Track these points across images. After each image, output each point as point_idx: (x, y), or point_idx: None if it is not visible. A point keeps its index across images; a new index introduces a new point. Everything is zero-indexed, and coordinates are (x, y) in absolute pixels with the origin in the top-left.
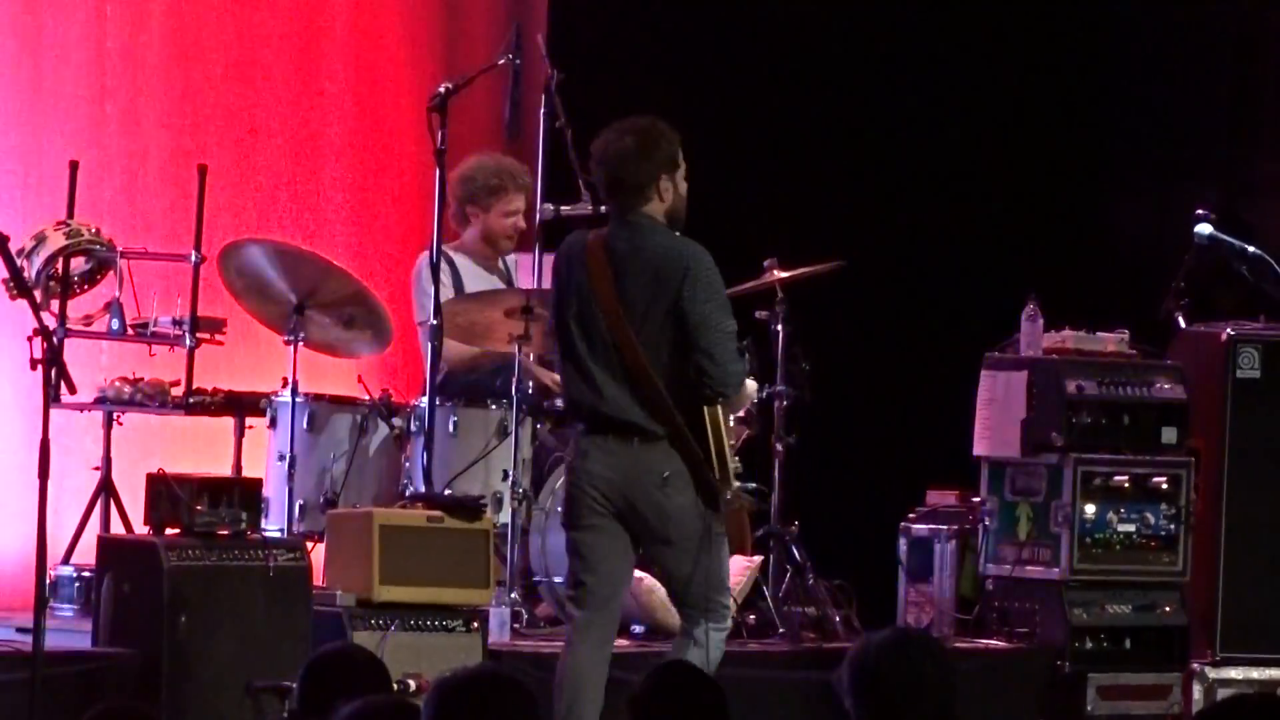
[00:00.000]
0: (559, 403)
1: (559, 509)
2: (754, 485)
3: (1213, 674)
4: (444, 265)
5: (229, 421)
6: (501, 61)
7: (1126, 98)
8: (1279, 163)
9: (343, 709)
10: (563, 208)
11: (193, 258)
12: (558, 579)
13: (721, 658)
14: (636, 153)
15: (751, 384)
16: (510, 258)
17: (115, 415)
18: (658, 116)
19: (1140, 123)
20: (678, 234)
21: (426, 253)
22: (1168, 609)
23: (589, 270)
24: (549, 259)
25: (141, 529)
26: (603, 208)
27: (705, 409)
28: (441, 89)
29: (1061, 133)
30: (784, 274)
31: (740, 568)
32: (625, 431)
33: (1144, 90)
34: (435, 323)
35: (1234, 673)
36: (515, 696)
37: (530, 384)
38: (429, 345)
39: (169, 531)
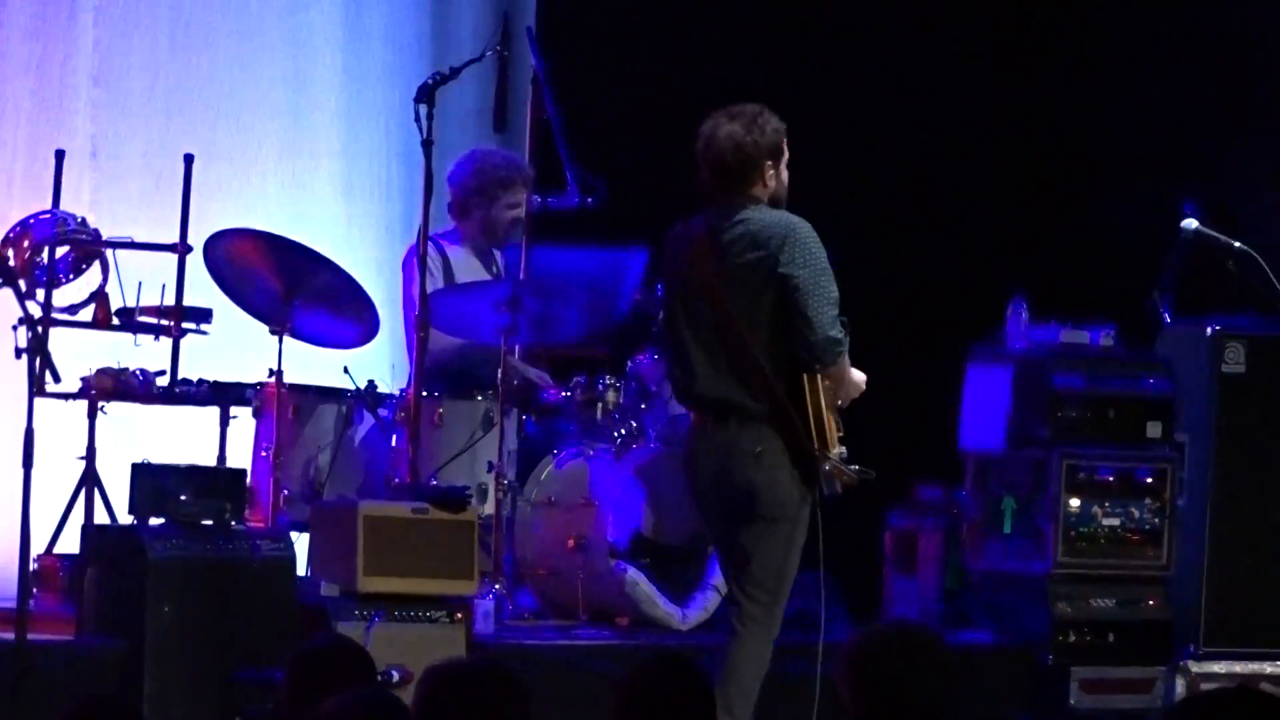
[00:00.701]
0: (549, 394)
1: (544, 501)
2: (859, 468)
3: (1196, 668)
4: (436, 256)
5: (214, 411)
6: (489, 53)
7: (1115, 92)
8: (1268, 157)
9: (328, 702)
10: (549, 200)
11: (179, 247)
12: (542, 570)
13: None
14: (743, 138)
15: (859, 375)
16: (501, 251)
17: (100, 405)
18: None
19: (1129, 117)
20: (780, 212)
21: (413, 244)
22: (1152, 603)
23: (691, 253)
24: (537, 250)
25: (126, 519)
26: (589, 200)
27: (805, 378)
28: (428, 79)
29: (1049, 127)
30: None
31: None
32: (722, 412)
33: (1133, 85)
34: (421, 313)
35: (1218, 667)
36: (505, 688)
37: (516, 378)
38: (415, 336)
39: (153, 522)
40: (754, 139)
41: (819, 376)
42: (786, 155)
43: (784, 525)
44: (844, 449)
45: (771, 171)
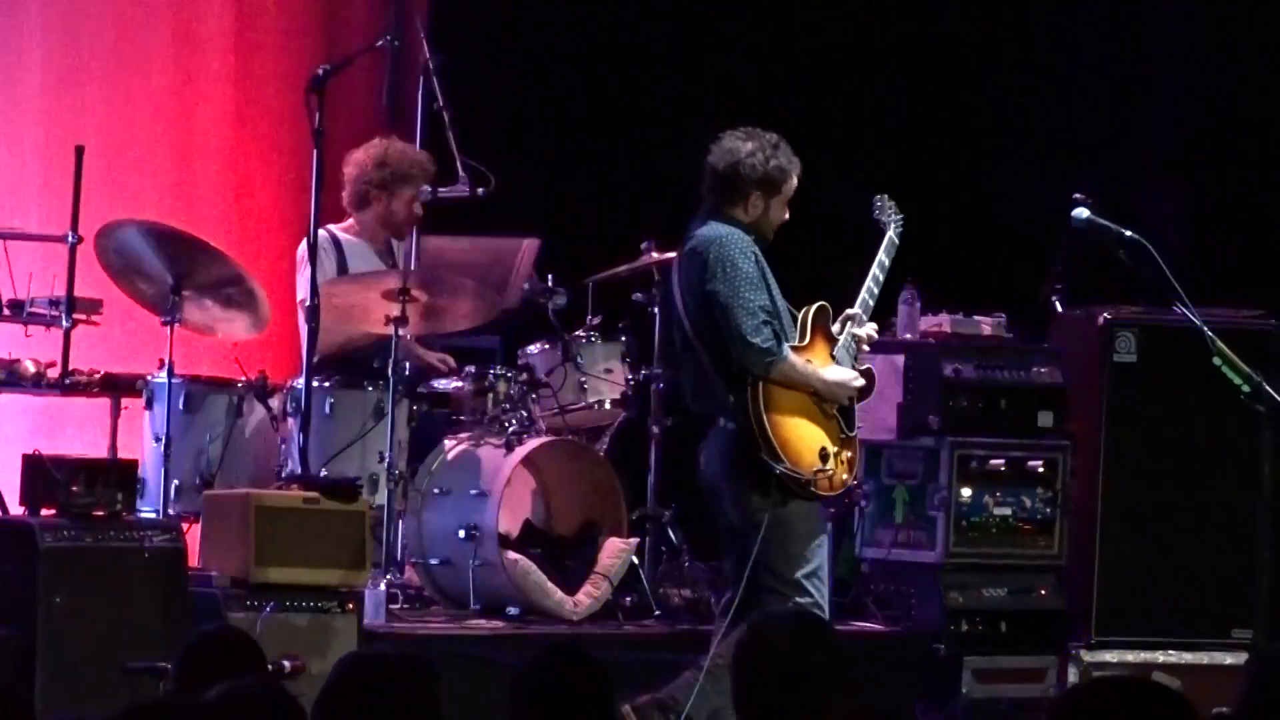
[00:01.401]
0: (436, 384)
1: (435, 491)
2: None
3: (1088, 657)
4: (330, 247)
5: (105, 402)
6: (380, 43)
7: (1008, 80)
8: (1161, 145)
9: (212, 691)
10: (440, 190)
11: (69, 238)
12: (433, 560)
13: None
14: (741, 157)
15: (843, 374)
16: (397, 244)
17: None
18: (781, 137)
19: (1020, 105)
20: (727, 227)
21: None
22: (1044, 592)
23: (675, 269)
24: (428, 241)
25: (17, 510)
26: (480, 190)
27: (748, 390)
28: (320, 70)
29: (940, 115)
30: (661, 255)
31: (616, 549)
32: (705, 424)
33: (1025, 73)
34: (312, 303)
35: (1109, 656)
36: (419, 678)
37: (408, 365)
38: (306, 326)
39: (45, 512)
40: (752, 162)
41: (763, 386)
42: (786, 194)
43: (764, 532)
44: (824, 452)
45: (759, 202)
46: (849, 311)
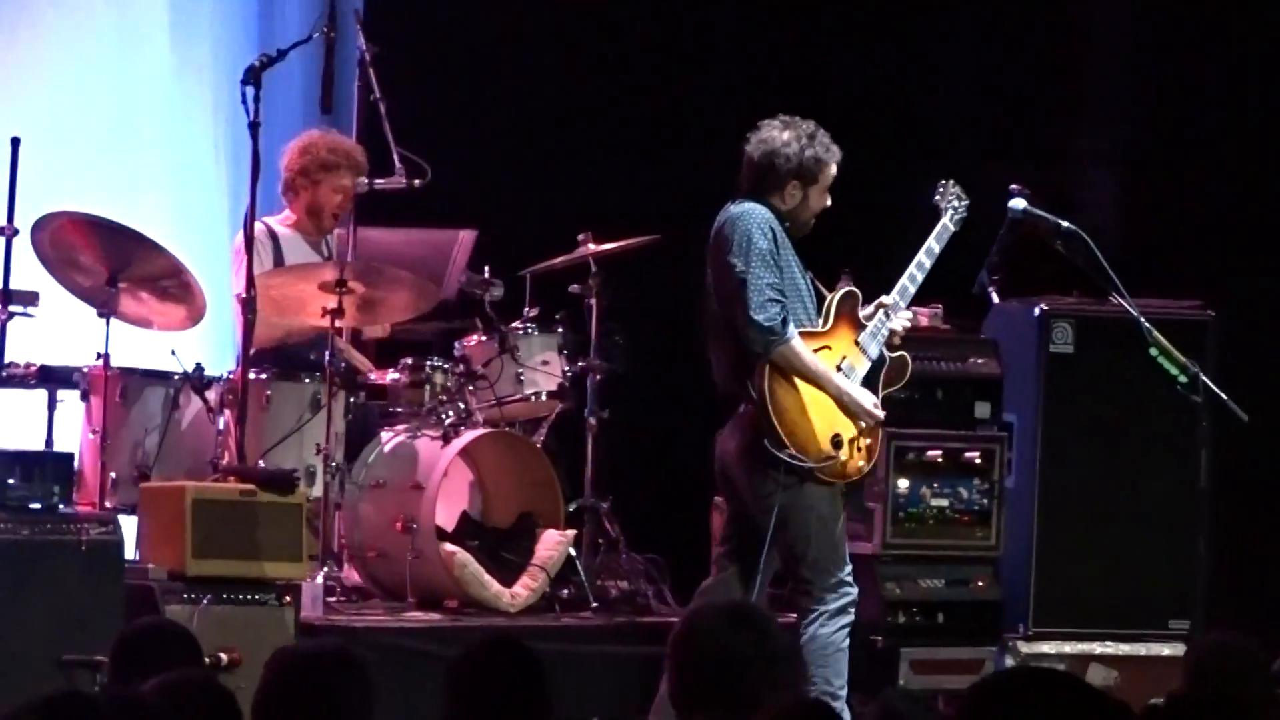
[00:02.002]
0: (373, 377)
1: (372, 483)
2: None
3: (1025, 648)
4: (266, 239)
5: (42, 395)
6: (316, 35)
7: (944, 71)
8: (1097, 138)
9: (147, 684)
10: (377, 181)
11: (5, 230)
12: (370, 553)
13: (827, 647)
14: (778, 146)
15: (858, 393)
16: (332, 236)
17: None
18: (818, 125)
19: (957, 96)
20: (754, 204)
21: (256, 223)
22: (981, 583)
23: (708, 246)
24: (364, 232)
25: None
26: (416, 182)
27: (756, 371)
28: (255, 61)
29: (876, 106)
30: (598, 247)
31: (554, 541)
32: (729, 405)
33: (962, 64)
34: (248, 296)
35: (1046, 647)
36: (351, 673)
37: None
38: (242, 318)
39: None
40: (787, 152)
41: (769, 368)
42: (824, 183)
43: (794, 513)
44: (837, 438)
45: (795, 191)
46: (884, 299)
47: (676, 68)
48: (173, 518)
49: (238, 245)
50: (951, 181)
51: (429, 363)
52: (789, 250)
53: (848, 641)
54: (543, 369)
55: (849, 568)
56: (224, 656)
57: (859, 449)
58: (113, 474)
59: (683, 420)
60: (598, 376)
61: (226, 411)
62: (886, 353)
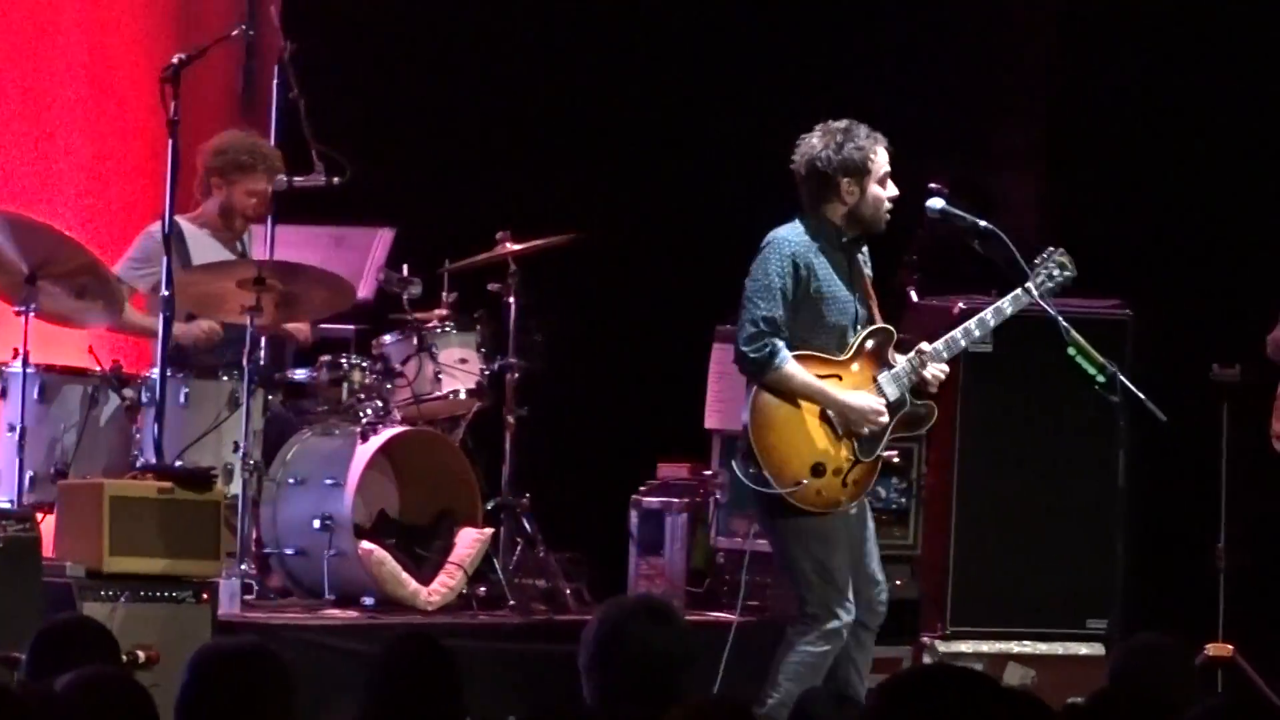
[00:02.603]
0: (293, 374)
1: (290, 480)
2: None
3: (943, 647)
4: (173, 237)
5: None
6: (235, 33)
7: (866, 68)
8: (1018, 135)
9: (61, 680)
10: (295, 179)
11: None
12: (288, 550)
13: (803, 671)
14: (817, 153)
15: (858, 399)
16: (246, 233)
17: None
18: (853, 120)
19: (878, 93)
20: (789, 227)
21: (158, 222)
22: (899, 582)
23: None
24: (283, 230)
25: None
26: (335, 179)
27: (748, 389)
28: (175, 59)
29: (797, 101)
30: (516, 246)
31: (471, 539)
32: None
33: (884, 60)
34: (167, 293)
35: (964, 646)
36: (272, 671)
37: (263, 355)
38: (160, 316)
39: None
40: (826, 155)
41: (757, 391)
42: (877, 172)
43: (774, 537)
44: (819, 466)
45: (852, 188)
46: (923, 346)
47: (595, 66)
48: (90, 515)
49: (139, 240)
50: (1061, 250)
51: (347, 361)
52: (829, 274)
53: (822, 667)
54: (461, 367)
55: (846, 595)
56: (141, 654)
57: (846, 482)
58: (30, 471)
59: (601, 419)
60: (516, 375)
61: (144, 409)
62: (909, 398)
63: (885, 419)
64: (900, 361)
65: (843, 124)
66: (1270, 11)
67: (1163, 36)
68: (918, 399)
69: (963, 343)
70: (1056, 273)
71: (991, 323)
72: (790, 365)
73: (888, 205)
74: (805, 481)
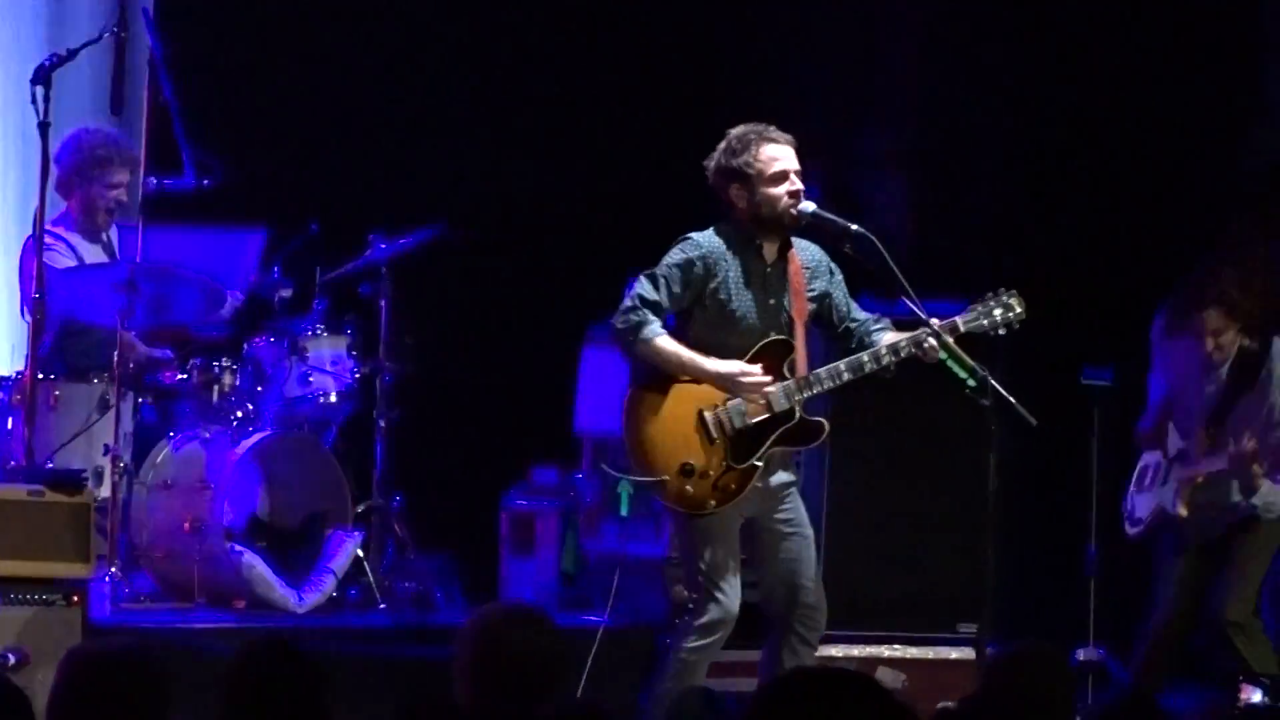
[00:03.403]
0: (163, 376)
1: (160, 483)
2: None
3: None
4: (60, 241)
5: None
6: (106, 35)
7: (737, 69)
8: (886, 139)
9: None
10: (166, 181)
11: None
12: (159, 553)
13: (680, 669)
14: (712, 164)
15: (719, 365)
16: (114, 231)
17: None
18: (751, 126)
19: (749, 95)
20: (703, 233)
21: (49, 231)
22: None
23: None
24: (154, 233)
25: None
26: (206, 182)
27: (629, 386)
28: (45, 61)
29: (665, 104)
30: (387, 250)
31: (342, 542)
32: None
33: (755, 63)
34: (38, 295)
35: (835, 650)
36: (146, 673)
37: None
38: (31, 319)
39: None
40: (718, 163)
41: (636, 390)
42: (762, 170)
43: (675, 531)
44: (686, 466)
45: (741, 192)
46: (810, 375)
47: (465, 69)
48: None
49: (28, 246)
50: (1013, 294)
51: (218, 363)
52: (739, 280)
53: (701, 666)
54: (332, 370)
55: (720, 588)
56: (11, 657)
57: (716, 486)
58: None
59: (472, 421)
60: (386, 377)
61: (15, 411)
62: (800, 413)
63: (757, 378)
64: (790, 382)
65: (737, 130)
66: (1134, 14)
67: (1030, 36)
68: (809, 415)
69: (845, 377)
70: (999, 313)
71: (883, 361)
72: (662, 340)
73: (787, 201)
74: (668, 478)
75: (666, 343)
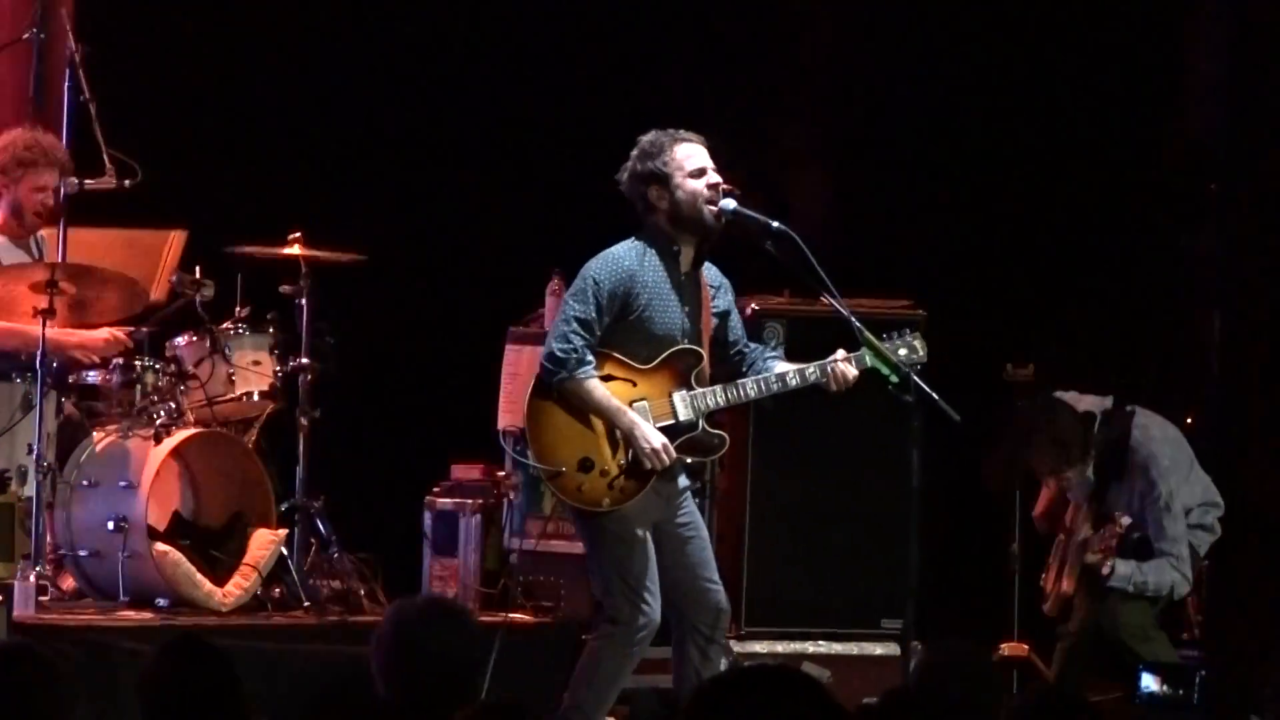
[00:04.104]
0: (87, 376)
1: (84, 482)
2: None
3: (737, 647)
4: None
5: None
6: (26, 35)
7: (659, 66)
8: (805, 135)
9: None
10: (87, 181)
11: None
12: (83, 552)
13: (598, 677)
14: (625, 173)
15: (648, 433)
16: (41, 234)
17: None
18: (662, 130)
19: (669, 92)
20: (622, 243)
21: None
22: None
23: None
24: (74, 233)
25: None
26: (126, 182)
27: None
28: None
29: (586, 101)
30: (306, 250)
31: (265, 541)
32: None
33: (675, 59)
34: None
35: (758, 646)
36: (37, 669)
37: (55, 360)
38: None
39: None
40: (632, 169)
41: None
42: (677, 168)
43: (582, 538)
44: (585, 462)
45: (660, 193)
46: (725, 385)
47: (384, 63)
48: None
49: None
50: (914, 333)
51: (140, 363)
52: (658, 289)
53: (623, 672)
54: (254, 369)
55: (643, 597)
56: None
57: (612, 485)
58: None
59: (394, 420)
60: (309, 376)
61: None
62: (703, 424)
63: (666, 461)
64: (704, 386)
65: (647, 136)
66: (1058, 6)
67: (950, 28)
68: (711, 427)
69: (752, 393)
70: (904, 352)
71: (790, 384)
72: (592, 383)
73: (707, 195)
74: (565, 470)
75: (596, 385)
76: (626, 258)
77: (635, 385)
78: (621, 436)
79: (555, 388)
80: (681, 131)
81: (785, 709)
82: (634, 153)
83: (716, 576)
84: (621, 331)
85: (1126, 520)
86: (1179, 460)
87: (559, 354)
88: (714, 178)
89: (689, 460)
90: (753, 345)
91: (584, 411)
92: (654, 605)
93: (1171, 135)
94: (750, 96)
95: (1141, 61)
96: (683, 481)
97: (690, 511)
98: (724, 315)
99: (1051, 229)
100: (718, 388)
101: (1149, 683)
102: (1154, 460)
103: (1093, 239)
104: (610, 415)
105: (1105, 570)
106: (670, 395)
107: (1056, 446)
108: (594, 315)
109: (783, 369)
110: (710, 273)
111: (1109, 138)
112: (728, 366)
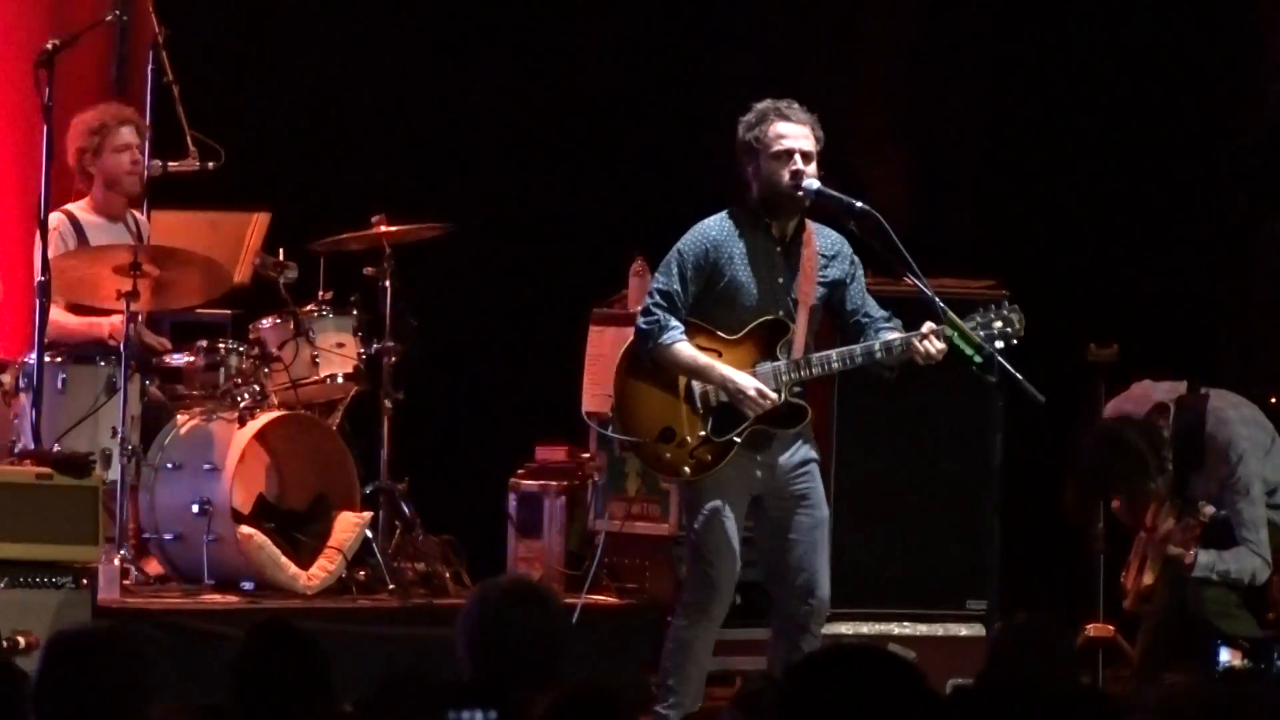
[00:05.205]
0: (172, 359)
1: (168, 465)
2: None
3: (824, 629)
4: (68, 225)
5: None
6: (109, 18)
7: (727, 50)
8: (884, 116)
9: None
10: (170, 164)
11: None
12: (167, 535)
13: (671, 650)
14: (737, 138)
15: (745, 380)
16: (140, 216)
17: None
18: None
19: (743, 75)
20: (716, 215)
21: (56, 212)
22: None
23: None
24: (158, 215)
25: None
26: (210, 164)
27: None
28: (49, 45)
29: (666, 85)
30: (390, 229)
31: (350, 523)
32: None
33: (745, 41)
34: (43, 279)
35: (844, 628)
36: (125, 653)
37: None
38: (38, 302)
39: None
40: (738, 137)
41: (627, 352)
42: (768, 146)
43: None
44: (667, 432)
45: (752, 169)
46: (801, 359)
47: (470, 46)
48: None
49: (52, 227)
50: (1012, 306)
51: (224, 345)
52: (745, 263)
53: (694, 645)
54: (337, 351)
55: (714, 567)
56: (20, 639)
57: (693, 455)
58: None
59: (478, 402)
60: (392, 358)
61: (22, 395)
62: (786, 395)
63: (767, 402)
64: (781, 361)
65: (761, 103)
66: None
67: (1031, 7)
68: (793, 397)
69: (835, 367)
70: (999, 325)
71: (874, 357)
72: (680, 346)
73: (787, 180)
74: (646, 441)
75: (684, 348)
76: (714, 229)
77: (720, 355)
78: (714, 393)
79: (647, 358)
80: (788, 106)
81: (879, 691)
82: (743, 117)
83: (821, 561)
84: (709, 302)
85: (1210, 510)
86: (1257, 440)
87: (643, 327)
88: (797, 164)
89: (794, 430)
90: (875, 314)
91: (673, 380)
92: (722, 578)
93: (1249, 116)
94: (830, 75)
95: (1220, 39)
96: (803, 453)
97: (807, 486)
98: (836, 284)
99: (1134, 209)
100: (801, 359)
101: (1227, 656)
102: (1232, 444)
103: (1174, 219)
104: (703, 372)
105: (1187, 560)
106: (754, 366)
107: (1131, 474)
108: (677, 287)
109: (870, 341)
110: (824, 241)
111: (1190, 117)
112: (845, 335)
